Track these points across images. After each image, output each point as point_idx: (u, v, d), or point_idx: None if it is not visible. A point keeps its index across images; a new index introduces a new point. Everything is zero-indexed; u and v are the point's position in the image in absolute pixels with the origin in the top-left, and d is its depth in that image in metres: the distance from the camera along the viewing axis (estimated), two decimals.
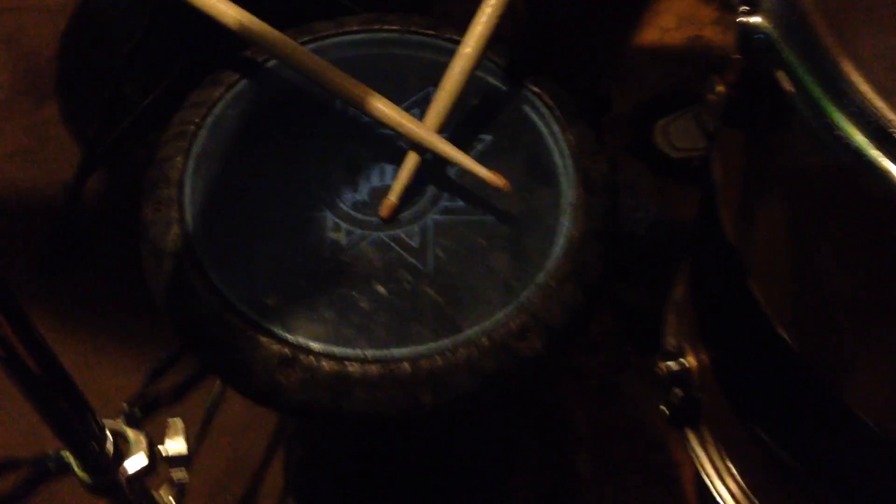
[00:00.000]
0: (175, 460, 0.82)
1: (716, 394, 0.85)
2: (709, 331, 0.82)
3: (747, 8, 0.52)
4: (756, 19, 0.52)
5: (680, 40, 1.47)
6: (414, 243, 0.71)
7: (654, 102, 1.38)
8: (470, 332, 0.66)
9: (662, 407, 0.90)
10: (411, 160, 0.72)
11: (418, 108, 0.77)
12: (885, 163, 0.50)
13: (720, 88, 0.57)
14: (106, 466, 0.79)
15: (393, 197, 0.71)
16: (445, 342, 0.66)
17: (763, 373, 0.75)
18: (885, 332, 0.61)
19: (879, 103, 0.50)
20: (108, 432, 0.78)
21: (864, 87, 0.50)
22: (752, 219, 0.66)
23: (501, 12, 0.73)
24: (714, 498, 0.90)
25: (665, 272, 1.20)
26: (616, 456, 1.18)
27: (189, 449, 0.82)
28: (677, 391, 0.88)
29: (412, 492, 1.04)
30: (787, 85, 0.52)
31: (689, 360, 0.86)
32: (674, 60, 1.45)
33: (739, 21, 0.52)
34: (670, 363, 0.86)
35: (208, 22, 1.29)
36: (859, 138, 0.51)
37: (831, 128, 0.52)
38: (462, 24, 0.76)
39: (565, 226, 0.72)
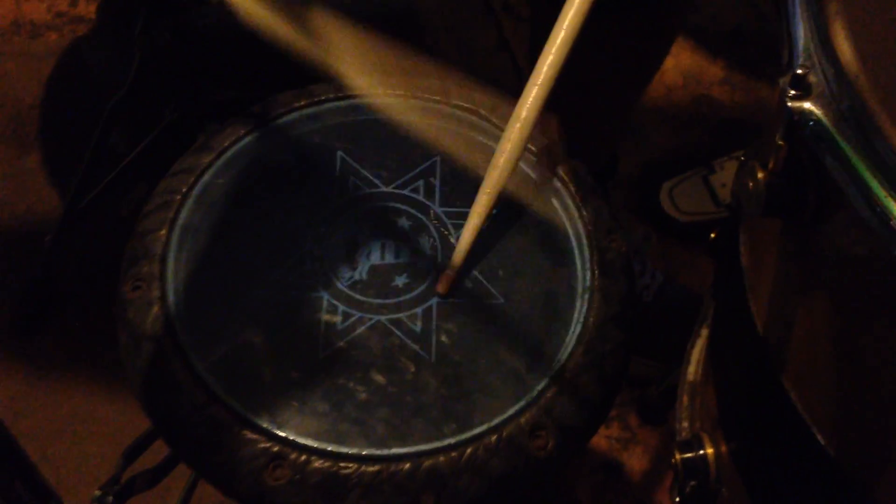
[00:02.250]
0: None
1: (736, 487, 0.79)
2: (732, 421, 0.76)
3: (797, 93, 0.47)
4: (807, 105, 0.47)
5: (686, 99, 1.43)
6: (416, 328, 0.65)
7: (660, 164, 1.34)
8: (477, 429, 0.61)
9: (676, 498, 0.84)
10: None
11: (423, 180, 0.71)
12: None
13: (761, 175, 0.51)
14: None
15: (453, 266, 0.66)
16: (450, 440, 0.60)
17: (794, 473, 0.69)
18: None
19: None
20: None
21: None
22: (789, 313, 0.60)
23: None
24: None
25: (672, 341, 1.15)
26: None
27: None
28: (691, 482, 0.82)
29: None
30: (839, 175, 0.47)
31: (707, 450, 0.80)
32: (680, 120, 1.41)
33: (788, 106, 0.47)
34: (686, 454, 0.80)
35: (198, 73, 1.25)
36: None
37: (887, 219, 0.46)
38: (453, 61, 0.71)
39: (581, 311, 0.66)
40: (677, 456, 0.82)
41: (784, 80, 0.48)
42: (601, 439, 1.16)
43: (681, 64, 1.46)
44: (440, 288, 0.66)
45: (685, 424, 0.87)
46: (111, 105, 1.22)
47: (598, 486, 1.13)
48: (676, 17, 0.97)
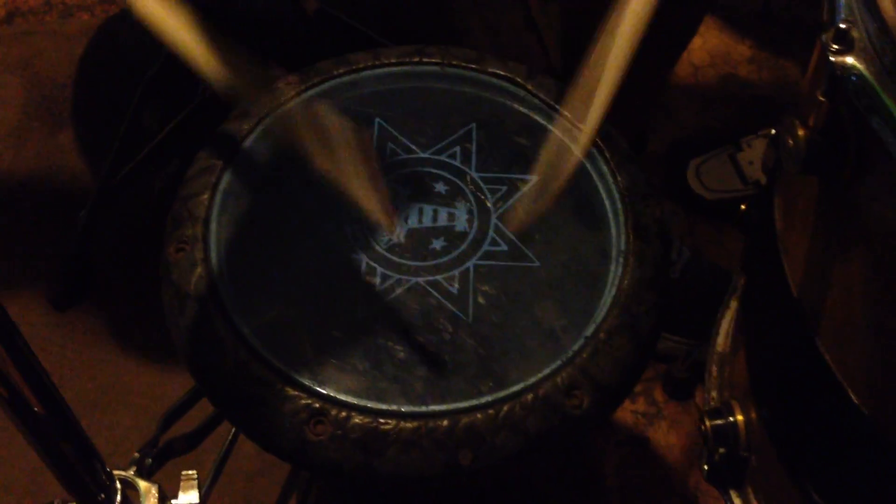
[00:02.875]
0: None
1: (767, 454, 0.79)
2: (765, 387, 0.77)
3: (838, 47, 0.48)
4: (849, 60, 0.48)
5: (714, 78, 1.43)
6: (454, 290, 0.66)
7: (687, 142, 1.34)
8: (513, 388, 0.62)
9: (704, 466, 0.85)
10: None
11: (459, 146, 0.72)
12: None
13: (801, 133, 0.52)
14: None
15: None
16: (487, 398, 0.61)
17: (827, 436, 0.70)
18: None
19: None
20: (117, 483, 0.74)
21: None
22: (825, 274, 0.61)
23: None
24: None
25: (698, 316, 1.16)
26: None
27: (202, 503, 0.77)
28: (720, 449, 0.83)
29: None
30: (882, 129, 0.48)
31: (737, 417, 0.81)
32: (707, 99, 1.41)
33: (831, 61, 0.48)
34: (717, 421, 0.81)
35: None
36: None
37: None
38: (484, 44, 0.72)
39: (615, 274, 0.67)
40: (707, 423, 0.83)
41: (827, 36, 0.49)
42: (627, 414, 1.17)
43: (708, 43, 1.46)
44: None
45: (714, 394, 0.88)
46: (144, 82, 1.24)
47: (625, 460, 1.14)
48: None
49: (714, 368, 0.91)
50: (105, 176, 1.20)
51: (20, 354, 0.59)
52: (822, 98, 0.50)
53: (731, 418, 0.82)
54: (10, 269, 1.24)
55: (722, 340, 0.92)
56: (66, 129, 1.36)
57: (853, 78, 0.48)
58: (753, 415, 0.80)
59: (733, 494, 0.85)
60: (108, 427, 1.11)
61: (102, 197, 1.20)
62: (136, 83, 1.29)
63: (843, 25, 0.48)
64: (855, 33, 0.49)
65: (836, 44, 0.48)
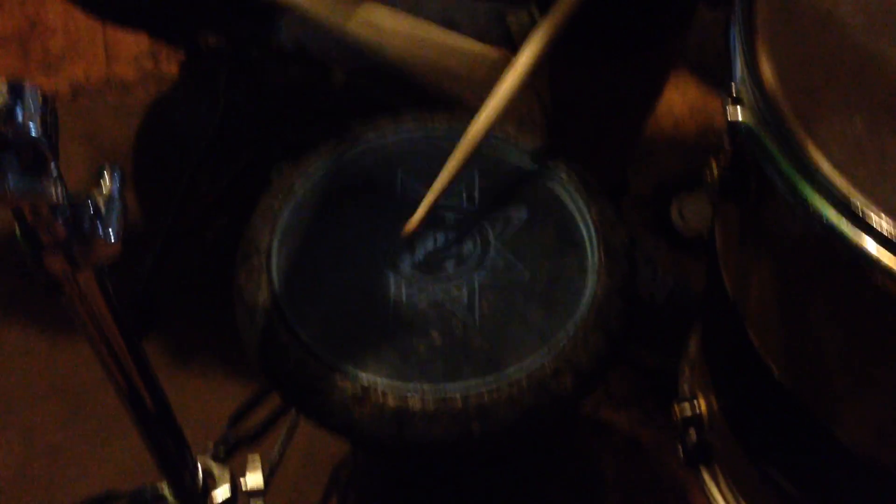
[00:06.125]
0: (254, 493, 0.94)
1: (726, 435, 0.96)
2: (717, 378, 0.94)
3: (731, 105, 0.66)
4: (740, 116, 0.66)
5: (693, 127, 1.62)
6: (464, 300, 0.84)
7: (670, 184, 1.52)
8: (512, 373, 0.79)
9: (678, 447, 1.01)
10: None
11: (464, 188, 0.90)
12: (851, 233, 0.60)
13: (715, 170, 0.70)
14: (196, 497, 0.91)
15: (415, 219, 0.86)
16: (491, 381, 0.78)
17: (764, 412, 0.86)
18: (866, 373, 0.73)
19: (839, 181, 0.62)
20: (199, 467, 0.91)
21: (826, 167, 0.62)
22: (748, 279, 0.78)
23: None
24: None
25: (680, 337, 1.32)
26: (640, 503, 1.28)
27: (265, 483, 0.94)
28: (691, 433, 1.00)
29: None
30: (769, 169, 0.65)
31: (701, 405, 0.98)
32: (688, 146, 1.60)
33: (727, 116, 0.66)
34: (685, 407, 0.98)
35: (271, 120, 1.46)
36: (829, 213, 0.61)
37: (805, 205, 0.63)
38: None
39: (591, 285, 0.84)
40: (677, 412, 1.00)
41: (725, 98, 0.67)
42: (623, 420, 1.33)
43: (688, 98, 1.65)
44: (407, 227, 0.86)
45: (685, 388, 1.05)
46: (200, 149, 1.44)
47: (620, 460, 1.30)
48: (667, 60, 1.16)
49: (686, 369, 1.08)
50: (166, 230, 1.40)
51: (143, 366, 0.77)
52: (726, 144, 0.69)
53: (697, 406, 0.99)
54: None
55: (693, 348, 1.10)
56: (129, 191, 1.56)
57: (743, 129, 0.66)
58: (714, 403, 0.97)
59: (704, 473, 1.02)
60: (188, 429, 1.28)
61: (164, 247, 1.39)
62: (187, 151, 1.49)
63: (734, 89, 0.67)
64: (744, 95, 0.67)
65: (732, 103, 0.67)
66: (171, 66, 1.70)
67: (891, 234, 0.58)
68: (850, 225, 0.60)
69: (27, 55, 1.74)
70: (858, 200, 0.60)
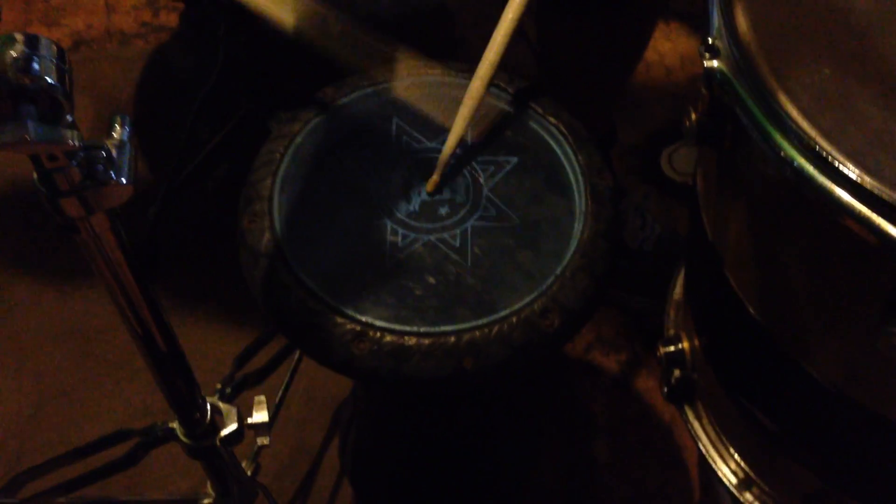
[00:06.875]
0: (260, 429, 0.99)
1: (707, 372, 1.01)
2: (699, 318, 0.98)
3: (708, 54, 0.70)
4: (715, 62, 0.70)
5: (683, 78, 1.65)
6: (456, 244, 0.88)
7: (660, 133, 1.56)
8: (502, 312, 0.83)
9: (663, 386, 1.06)
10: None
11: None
12: (819, 178, 0.63)
13: (693, 117, 0.74)
14: (205, 433, 0.96)
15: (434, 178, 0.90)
16: (483, 320, 0.82)
17: (742, 350, 0.91)
18: (834, 311, 0.77)
19: (806, 125, 0.66)
20: (208, 405, 0.95)
21: (794, 113, 0.66)
22: (726, 221, 0.82)
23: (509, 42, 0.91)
24: (711, 466, 1.05)
25: (669, 282, 1.37)
26: (630, 442, 1.34)
27: (270, 419, 0.99)
28: (675, 371, 1.05)
29: (451, 472, 1.20)
30: (742, 115, 0.69)
31: (684, 344, 1.03)
32: (678, 96, 1.63)
33: (705, 65, 0.69)
34: (669, 347, 1.03)
35: (269, 69, 1.48)
36: (798, 158, 0.64)
37: (776, 150, 0.67)
38: (480, 52, 0.94)
39: (578, 229, 0.89)
40: (662, 350, 1.04)
41: (702, 47, 0.71)
42: (612, 363, 1.38)
43: (679, 48, 1.68)
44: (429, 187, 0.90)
45: (670, 329, 1.09)
46: (199, 99, 1.47)
47: (610, 401, 1.35)
48: (653, 8, 1.19)
49: (672, 311, 1.12)
50: (169, 178, 1.44)
51: (155, 310, 0.81)
52: (704, 91, 0.72)
53: (680, 345, 1.03)
54: None
55: (678, 290, 1.14)
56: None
57: (718, 76, 0.70)
58: (696, 342, 1.02)
59: (687, 410, 1.07)
60: (196, 371, 1.34)
61: (167, 195, 1.43)
62: (186, 100, 1.52)
63: (710, 39, 0.70)
64: (719, 44, 0.70)
65: (707, 52, 0.70)
66: (170, 16, 1.72)
67: (855, 178, 0.62)
68: (816, 168, 0.64)
69: (29, 7, 1.76)
70: (824, 144, 0.64)
